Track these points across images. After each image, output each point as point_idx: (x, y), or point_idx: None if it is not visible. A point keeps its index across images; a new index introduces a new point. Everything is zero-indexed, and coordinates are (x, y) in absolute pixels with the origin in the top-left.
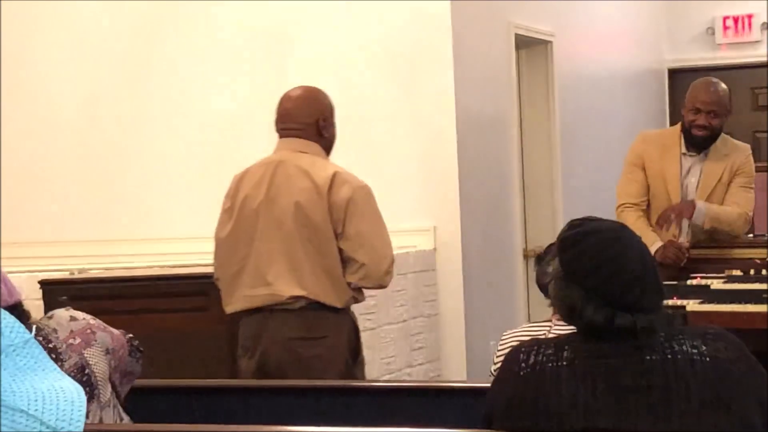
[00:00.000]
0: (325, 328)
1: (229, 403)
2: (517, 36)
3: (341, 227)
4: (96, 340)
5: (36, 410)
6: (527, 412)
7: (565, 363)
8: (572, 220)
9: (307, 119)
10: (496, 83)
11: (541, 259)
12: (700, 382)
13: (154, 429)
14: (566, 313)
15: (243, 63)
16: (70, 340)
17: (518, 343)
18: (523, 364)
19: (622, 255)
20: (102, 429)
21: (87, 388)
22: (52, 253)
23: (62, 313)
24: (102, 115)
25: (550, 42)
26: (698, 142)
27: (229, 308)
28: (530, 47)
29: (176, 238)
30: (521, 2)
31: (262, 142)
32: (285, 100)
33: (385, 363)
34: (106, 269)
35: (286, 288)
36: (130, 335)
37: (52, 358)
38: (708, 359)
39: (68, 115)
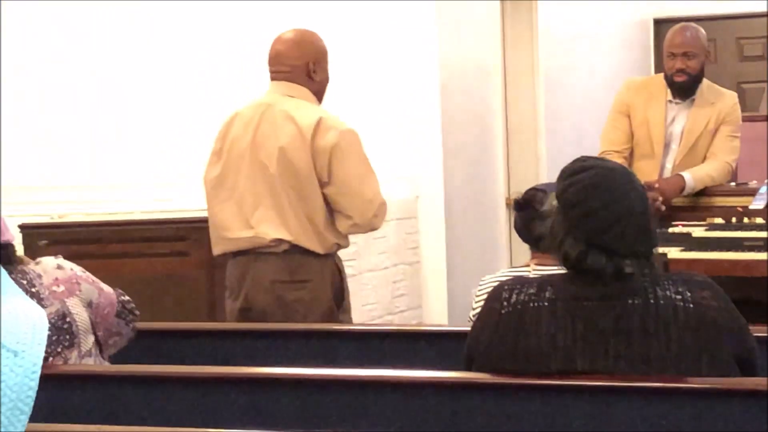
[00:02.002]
0: (308, 272)
1: (208, 346)
2: None
3: (327, 174)
4: (81, 291)
5: None
6: (507, 351)
7: (546, 303)
8: (581, 156)
9: (297, 61)
10: (480, 30)
11: (519, 204)
12: (682, 328)
13: (134, 371)
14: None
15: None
16: (54, 287)
17: (500, 282)
18: (505, 303)
19: (605, 193)
20: (81, 370)
21: (67, 336)
22: (33, 197)
23: (50, 261)
24: (85, 61)
25: None
26: (680, 88)
27: (216, 250)
28: None
29: (159, 184)
30: None
31: (241, 90)
32: (276, 42)
33: (366, 310)
34: (87, 214)
35: (269, 231)
36: (126, 297)
37: (34, 301)
38: (692, 306)
39: (53, 60)
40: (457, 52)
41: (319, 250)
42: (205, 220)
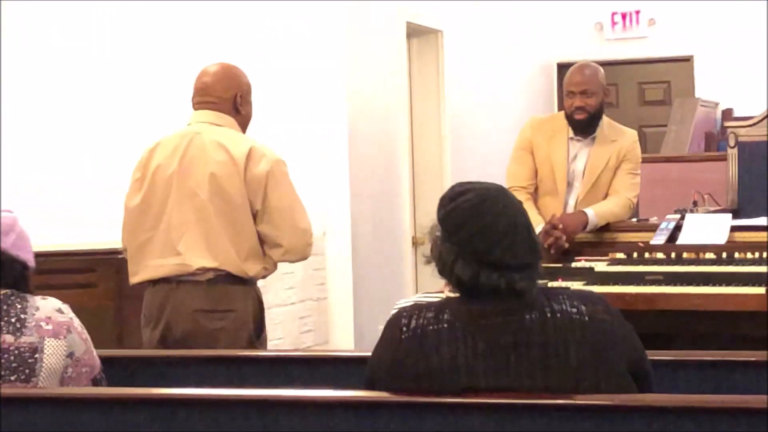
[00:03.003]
0: (231, 301)
1: (119, 373)
2: (408, 24)
3: (260, 202)
4: (65, 338)
5: None
6: (409, 374)
7: (445, 325)
8: (455, 183)
9: (225, 93)
10: (387, 70)
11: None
12: (579, 339)
13: (43, 393)
14: (440, 269)
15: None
16: (42, 323)
17: (399, 309)
18: (404, 329)
19: (488, 211)
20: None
21: (27, 371)
22: None
23: (55, 302)
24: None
25: (441, 32)
26: (580, 125)
27: (135, 278)
28: (421, 36)
29: (63, 219)
30: None
31: (152, 126)
32: (203, 74)
33: (273, 345)
34: None
35: (196, 259)
36: (103, 373)
37: (16, 326)
38: (587, 318)
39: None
40: (365, 89)
41: (247, 274)
42: (113, 252)
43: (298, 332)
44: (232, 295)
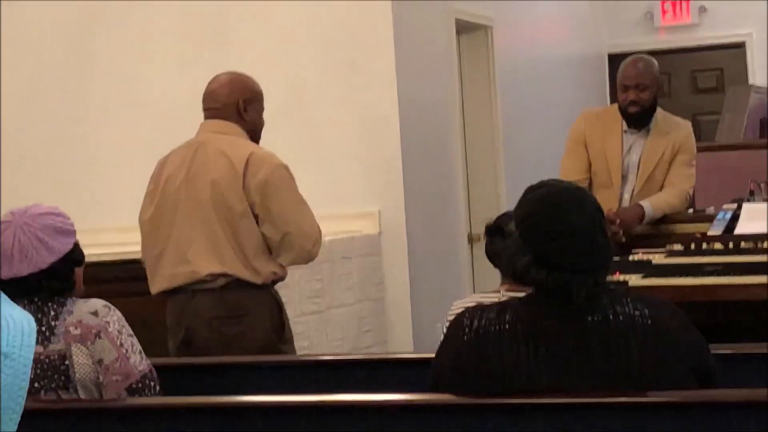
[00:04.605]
0: (245, 307)
1: (180, 380)
2: (457, 21)
3: (263, 209)
4: (93, 343)
5: None
6: (471, 375)
7: (507, 326)
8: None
9: (228, 99)
10: (437, 68)
11: (490, 229)
12: (641, 342)
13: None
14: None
15: (186, 54)
16: (71, 328)
17: (462, 309)
18: (467, 329)
19: (551, 208)
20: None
21: (63, 378)
22: None
23: (94, 304)
24: (45, 105)
25: (490, 27)
26: (634, 119)
27: (153, 289)
28: (471, 32)
29: (126, 228)
30: None
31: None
32: (212, 81)
33: (333, 347)
34: None
35: (205, 265)
36: (152, 381)
37: (45, 335)
38: (650, 321)
39: (11, 106)
40: (415, 87)
41: (257, 281)
42: None
43: (358, 333)
44: (246, 301)
